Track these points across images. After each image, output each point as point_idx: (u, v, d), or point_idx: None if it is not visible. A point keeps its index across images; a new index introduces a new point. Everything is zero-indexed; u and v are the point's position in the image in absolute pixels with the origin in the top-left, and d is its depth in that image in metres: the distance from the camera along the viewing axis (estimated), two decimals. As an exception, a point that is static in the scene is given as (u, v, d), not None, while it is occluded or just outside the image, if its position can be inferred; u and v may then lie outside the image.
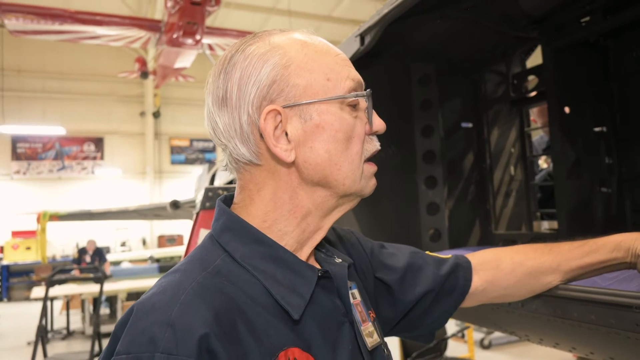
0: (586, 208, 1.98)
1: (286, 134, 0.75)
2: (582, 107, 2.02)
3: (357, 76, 0.80)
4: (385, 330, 0.97)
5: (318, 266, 0.81)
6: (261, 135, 0.74)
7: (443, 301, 0.98)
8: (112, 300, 9.11)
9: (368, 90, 0.80)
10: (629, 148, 2.02)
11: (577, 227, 1.93)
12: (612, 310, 0.86)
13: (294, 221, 0.77)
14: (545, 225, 2.66)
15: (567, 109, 2.00)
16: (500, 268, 0.99)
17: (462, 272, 0.99)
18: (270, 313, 0.69)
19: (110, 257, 11.98)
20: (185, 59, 12.10)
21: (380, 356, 0.82)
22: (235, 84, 0.75)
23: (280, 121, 0.74)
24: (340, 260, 0.84)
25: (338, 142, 0.76)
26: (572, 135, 2.00)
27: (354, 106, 0.78)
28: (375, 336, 0.83)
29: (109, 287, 7.82)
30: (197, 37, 10.47)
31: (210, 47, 12.20)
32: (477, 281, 1.00)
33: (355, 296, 0.84)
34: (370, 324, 0.84)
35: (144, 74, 14.58)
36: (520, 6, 1.75)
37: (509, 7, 1.76)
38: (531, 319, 1.07)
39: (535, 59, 2.22)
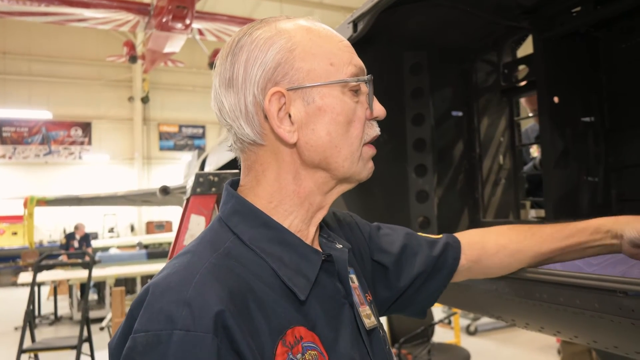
0: (573, 197, 2.01)
1: (289, 116, 0.77)
2: (572, 97, 2.04)
3: (359, 62, 0.82)
4: (382, 309, 1.01)
5: (321, 250, 0.84)
6: (265, 117, 0.77)
7: (434, 280, 1.03)
8: (100, 285, 9.10)
9: (369, 75, 0.81)
10: (616, 138, 2.05)
11: (563, 216, 1.96)
12: (596, 295, 0.89)
13: (297, 201, 0.80)
14: (533, 214, 2.70)
15: (556, 99, 2.02)
16: (485, 249, 1.05)
17: (451, 252, 1.04)
18: (278, 294, 0.72)
19: (98, 243, 11.93)
20: (175, 44, 11.95)
21: (377, 337, 0.86)
22: (241, 65, 0.77)
23: (284, 103, 0.76)
24: (341, 245, 0.87)
25: (339, 125, 0.78)
26: (561, 125, 2.02)
27: (355, 91, 0.80)
28: (373, 318, 0.86)
29: (97, 272, 7.79)
30: (187, 21, 10.35)
31: (200, 32, 12.07)
32: (463, 260, 1.05)
33: (353, 281, 0.87)
34: (367, 307, 0.87)
35: (133, 58, 14.37)
36: (512, -4, 1.76)
37: (502, -4, 1.76)
38: (518, 304, 1.10)
39: (525, 48, 2.23)
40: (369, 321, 0.85)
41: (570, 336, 1.14)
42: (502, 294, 1.14)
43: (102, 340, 6.54)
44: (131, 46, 14.43)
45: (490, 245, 1.05)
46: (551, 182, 1.99)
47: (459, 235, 1.09)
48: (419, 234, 1.08)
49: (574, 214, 1.98)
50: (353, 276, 0.89)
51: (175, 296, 0.64)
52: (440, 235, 1.08)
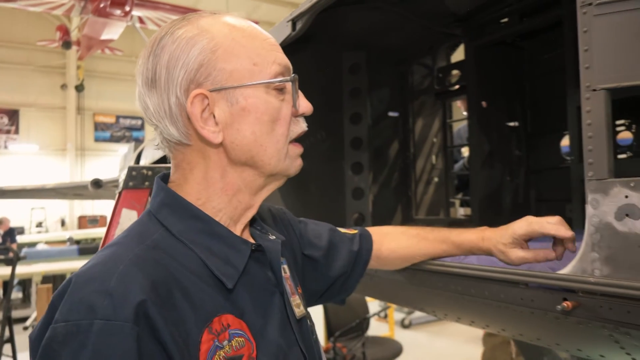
0: (497, 196, 2.14)
1: (214, 116, 0.77)
2: (498, 102, 2.17)
3: (284, 60, 0.83)
4: (311, 301, 1.06)
5: (253, 241, 0.86)
6: (189, 117, 0.77)
7: (355, 272, 1.12)
8: (25, 283, 8.58)
9: (293, 75, 0.82)
10: (536, 142, 2.20)
11: (488, 214, 2.08)
12: (502, 287, 0.97)
13: (225, 198, 0.81)
14: (461, 212, 2.84)
15: (484, 104, 2.14)
16: (381, 251, 1.17)
17: (365, 244, 1.14)
18: (206, 282, 0.73)
19: (24, 239, 11.23)
20: (113, 31, 11.43)
21: (306, 326, 0.88)
22: (163, 66, 0.76)
23: (208, 104, 0.76)
24: (274, 237, 0.90)
25: (263, 124, 0.79)
26: (488, 128, 2.14)
27: (280, 90, 0.81)
28: (302, 308, 0.90)
29: (23, 269, 7.34)
30: (127, 8, 9.94)
31: (141, 20, 11.61)
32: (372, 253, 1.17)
33: (285, 271, 0.90)
34: (297, 296, 0.91)
35: (66, 44, 13.59)
36: (446, 4, 1.84)
37: (436, 5, 1.84)
38: (436, 296, 1.17)
39: (460, 54, 2.34)
40: (299, 310, 0.88)
41: (483, 325, 1.23)
42: (421, 287, 1.21)
43: (26, 341, 6.17)
44: (65, 31, 13.65)
45: (384, 248, 1.17)
46: (477, 182, 2.10)
47: (370, 230, 1.19)
48: (339, 229, 1.15)
49: (497, 212, 2.11)
50: (285, 266, 0.91)
51: (98, 286, 0.64)
52: (356, 231, 1.16)
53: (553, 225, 0.93)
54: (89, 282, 0.65)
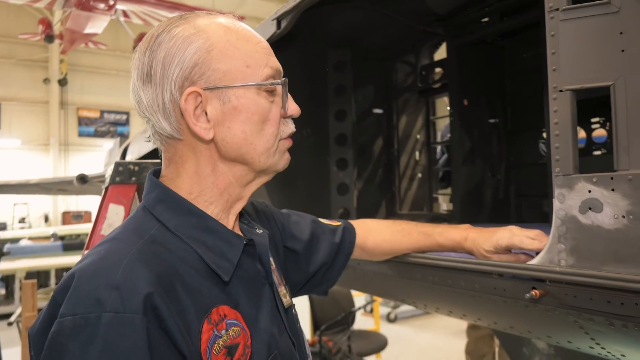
0: (478, 192, 2.20)
1: (206, 113, 0.80)
2: (479, 100, 2.23)
3: (275, 64, 0.87)
4: (293, 292, 1.10)
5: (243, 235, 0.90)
6: (182, 113, 0.79)
7: (336, 263, 1.16)
8: (9, 279, 8.48)
9: (284, 79, 0.86)
10: (516, 139, 2.26)
11: (469, 209, 2.14)
12: (476, 277, 1.02)
13: (217, 192, 0.84)
14: (444, 207, 2.90)
15: (465, 101, 2.19)
16: (366, 244, 1.21)
17: (348, 236, 1.17)
18: (203, 276, 0.76)
19: (7, 234, 11.08)
20: (97, 25, 11.28)
21: (292, 315, 0.94)
22: (159, 62, 0.79)
23: (201, 102, 0.79)
24: (261, 231, 0.93)
25: (254, 124, 0.82)
26: (469, 125, 2.20)
27: (271, 92, 0.85)
28: (288, 298, 0.96)
29: (6, 265, 7.27)
30: (110, 1, 9.83)
31: (125, 14, 11.49)
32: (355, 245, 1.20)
33: (272, 263, 0.95)
34: (284, 287, 0.96)
35: (49, 38, 13.36)
36: (427, 4, 1.88)
37: (418, 4, 1.88)
38: (416, 287, 1.22)
39: (443, 52, 2.39)
40: (286, 300, 0.93)
41: (460, 315, 1.28)
42: (401, 279, 1.25)
43: (9, 337, 6.12)
44: (47, 24, 13.41)
45: (370, 242, 1.21)
46: (459, 178, 2.16)
47: (352, 222, 1.22)
48: (321, 220, 1.18)
49: (478, 208, 2.17)
50: (271, 259, 0.95)
51: (104, 281, 0.66)
52: (339, 223, 1.19)
53: (532, 241, 0.98)
54: (94, 276, 0.67)
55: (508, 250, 1.03)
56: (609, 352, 1.01)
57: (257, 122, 0.83)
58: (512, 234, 1.01)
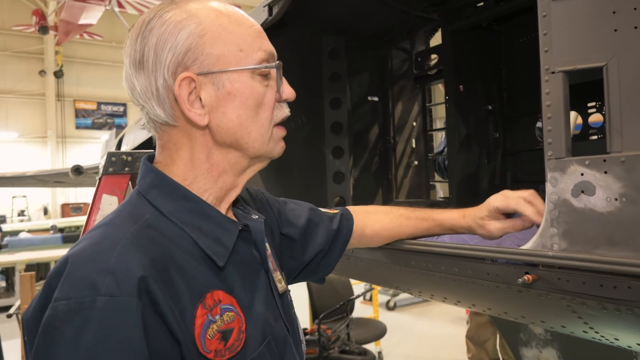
0: (474, 178, 2.19)
1: (200, 99, 0.79)
2: (475, 86, 2.21)
3: (269, 47, 0.86)
4: (289, 279, 1.09)
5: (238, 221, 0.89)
6: (176, 99, 0.78)
7: (333, 250, 1.14)
8: (9, 272, 8.50)
9: (278, 62, 0.85)
10: (512, 125, 2.25)
11: (465, 196, 2.13)
12: (469, 263, 1.02)
13: (211, 179, 0.83)
14: (441, 194, 2.89)
15: (461, 88, 2.17)
16: (364, 231, 1.20)
17: (345, 224, 1.16)
18: (197, 261, 0.76)
19: (6, 227, 11.10)
20: (91, 15, 11.20)
21: (286, 300, 0.94)
22: (152, 48, 0.78)
23: (195, 87, 0.78)
24: (257, 216, 0.93)
25: (248, 109, 0.81)
26: (465, 111, 2.18)
27: (265, 75, 0.84)
28: (283, 283, 0.95)
29: (6, 258, 7.28)
30: (105, -9, 9.73)
31: (120, 4, 11.38)
32: (353, 232, 1.19)
33: (267, 249, 0.94)
34: (279, 272, 0.96)
35: (43, 29, 13.28)
36: (421, -12, 1.86)
37: (411, -11, 1.86)
38: (410, 274, 1.21)
39: (439, 38, 2.37)
40: (281, 285, 0.93)
41: (455, 301, 1.28)
42: (397, 266, 1.25)
43: (10, 329, 6.15)
44: (41, 15, 13.32)
45: (369, 230, 1.20)
46: (455, 165, 2.15)
47: (352, 209, 1.21)
48: (320, 209, 1.17)
49: (475, 194, 2.16)
50: (267, 244, 0.95)
51: (98, 265, 0.66)
52: (337, 210, 1.18)
53: (528, 207, 0.99)
54: (88, 261, 0.67)
55: (502, 213, 1.03)
56: (602, 336, 1.01)
57: (252, 107, 0.82)
58: (505, 196, 1.03)
